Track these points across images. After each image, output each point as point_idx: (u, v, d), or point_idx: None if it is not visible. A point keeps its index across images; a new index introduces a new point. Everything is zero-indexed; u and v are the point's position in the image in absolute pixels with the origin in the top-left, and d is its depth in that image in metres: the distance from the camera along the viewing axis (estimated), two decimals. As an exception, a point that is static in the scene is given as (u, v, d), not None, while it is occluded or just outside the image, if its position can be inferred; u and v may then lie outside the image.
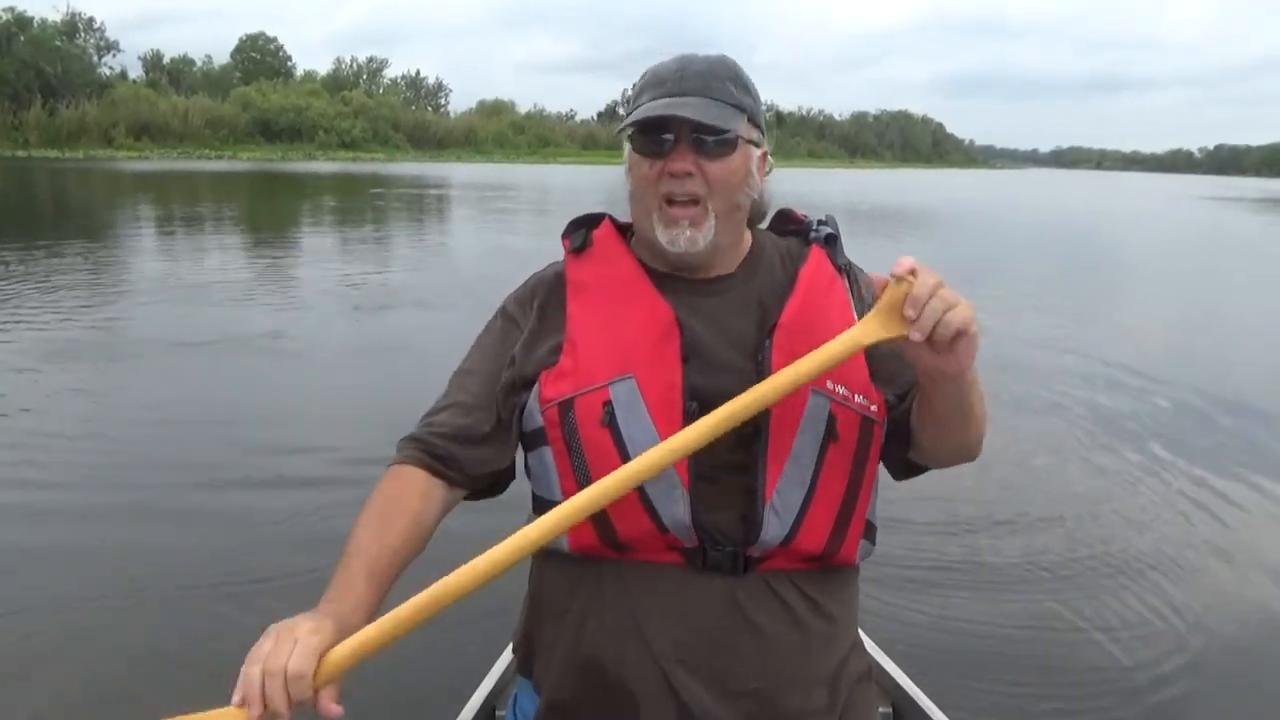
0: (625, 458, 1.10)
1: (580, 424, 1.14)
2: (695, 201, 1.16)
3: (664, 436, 1.09)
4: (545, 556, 1.24)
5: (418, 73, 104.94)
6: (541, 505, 1.20)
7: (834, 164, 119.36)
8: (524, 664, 1.31)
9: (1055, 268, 14.78)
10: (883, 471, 1.27)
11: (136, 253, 13.94)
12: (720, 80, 1.17)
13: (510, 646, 1.56)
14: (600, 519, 1.12)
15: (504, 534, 1.04)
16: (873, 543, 1.26)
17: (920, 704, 1.63)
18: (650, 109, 1.14)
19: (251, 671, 0.93)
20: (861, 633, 1.37)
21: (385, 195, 28.99)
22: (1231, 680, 2.88)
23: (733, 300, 1.22)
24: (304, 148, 70.70)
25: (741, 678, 1.14)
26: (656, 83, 1.18)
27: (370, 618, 1.02)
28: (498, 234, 18.15)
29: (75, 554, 3.57)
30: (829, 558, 1.18)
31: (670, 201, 1.16)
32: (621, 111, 1.21)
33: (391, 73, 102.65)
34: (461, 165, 65.97)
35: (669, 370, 1.14)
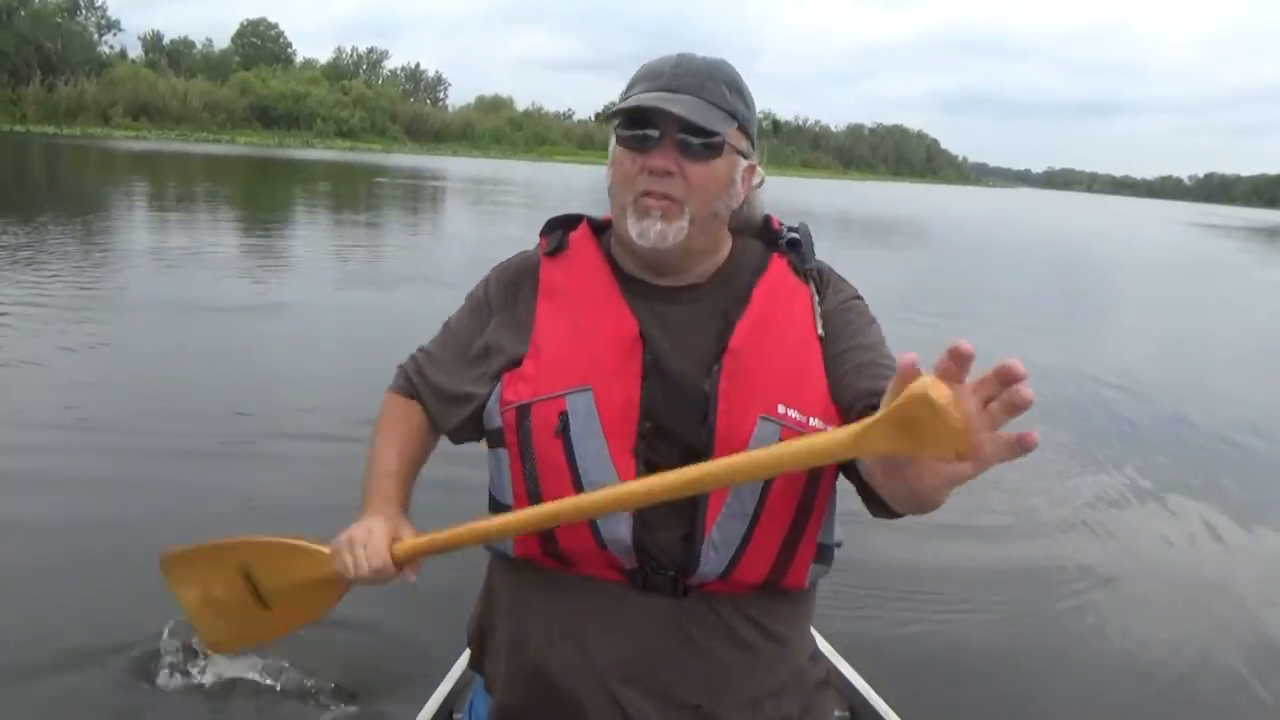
0: (574, 471, 1.12)
1: (535, 432, 1.13)
2: (671, 199, 1.13)
3: (615, 454, 1.11)
4: (495, 556, 1.28)
5: (417, 65, 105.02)
6: (495, 505, 1.23)
7: (827, 174, 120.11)
8: (477, 662, 1.33)
9: (1042, 288, 14.92)
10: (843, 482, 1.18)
11: (159, 227, 14.27)
12: (716, 82, 1.14)
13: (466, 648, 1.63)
14: (543, 529, 1.14)
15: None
16: (827, 563, 1.22)
17: (876, 707, 1.63)
18: (639, 99, 1.12)
19: (342, 543, 1.17)
20: (819, 637, 1.37)
21: (388, 185, 29.36)
22: (1182, 685, 2.99)
23: (695, 312, 1.19)
24: (301, 135, 70.81)
25: (685, 693, 1.14)
26: (651, 75, 1.16)
27: (403, 512, 1.24)
28: (495, 224, 18.65)
29: (99, 484, 3.96)
30: (774, 584, 1.16)
31: (647, 194, 1.13)
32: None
33: (391, 64, 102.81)
34: (458, 159, 66.25)
35: (627, 387, 1.13)
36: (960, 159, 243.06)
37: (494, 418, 1.18)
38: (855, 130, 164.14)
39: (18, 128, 54.10)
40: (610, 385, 1.13)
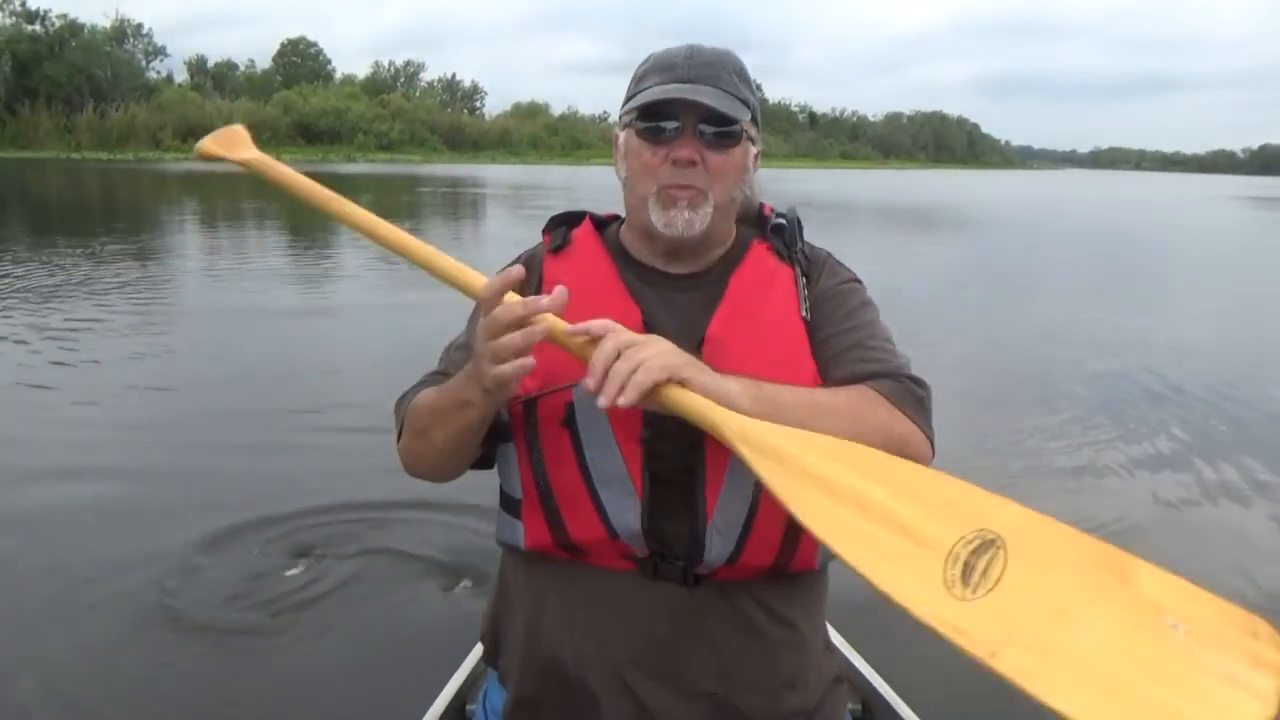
0: (581, 459, 1.14)
1: (541, 423, 1.15)
2: (696, 189, 1.15)
3: (621, 441, 1.13)
4: (507, 552, 1.28)
5: (454, 76, 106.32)
6: (506, 500, 1.23)
7: (867, 165, 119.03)
8: (491, 656, 1.34)
9: (1079, 267, 14.66)
10: None
11: (212, 241, 14.86)
12: (728, 72, 1.16)
13: (480, 640, 1.63)
14: (554, 521, 1.16)
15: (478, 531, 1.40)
16: None
17: (890, 702, 1.61)
18: (661, 92, 1.13)
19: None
20: (833, 631, 1.38)
21: (429, 194, 30.13)
22: None
23: (699, 299, 1.21)
24: (343, 149, 72.13)
25: (700, 681, 1.15)
26: (665, 67, 1.17)
27: None
28: (535, 226, 18.86)
29: (169, 471, 4.36)
30: (783, 567, 1.17)
31: (670, 185, 1.15)
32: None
33: (428, 76, 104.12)
34: (496, 166, 66.96)
35: None
36: (1003, 143, 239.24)
37: (501, 412, 1.18)
38: (894, 119, 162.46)
39: (73, 155, 56.00)
40: None
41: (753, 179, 1.24)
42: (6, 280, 9.88)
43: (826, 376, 1.16)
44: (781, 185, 44.59)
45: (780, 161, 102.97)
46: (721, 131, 1.14)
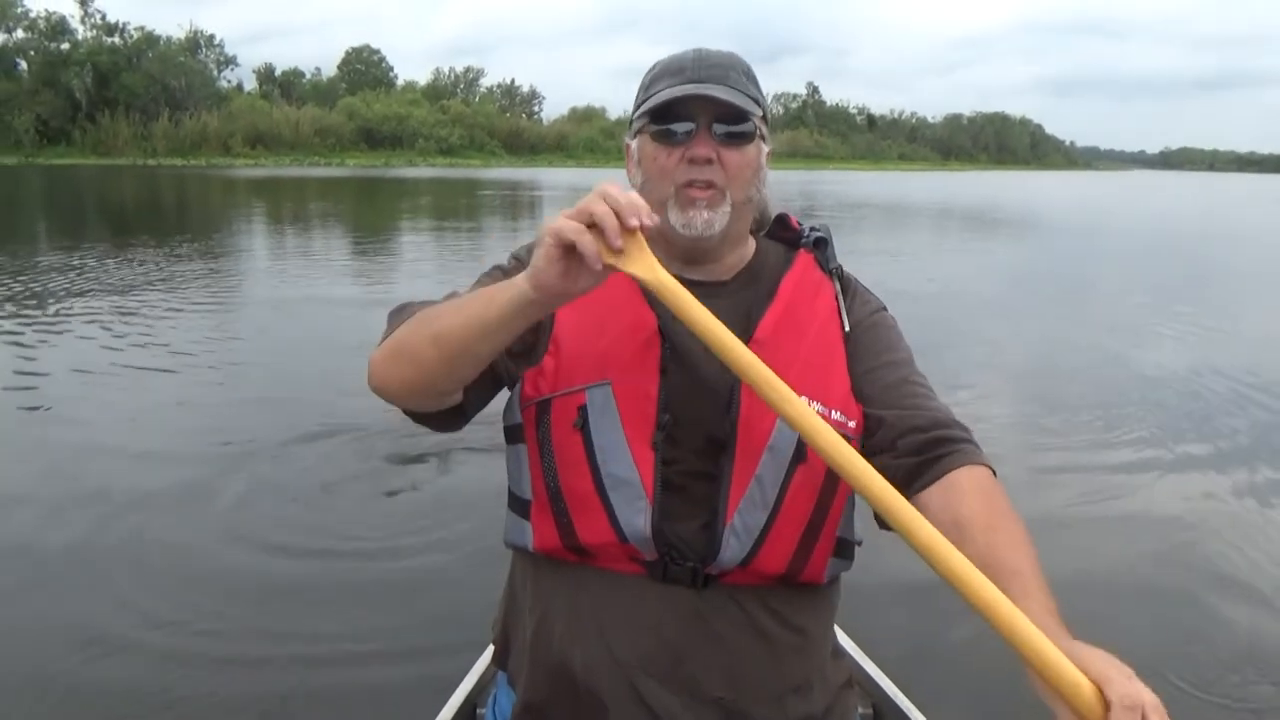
0: (593, 463, 1.14)
1: (554, 426, 1.15)
2: (713, 186, 1.15)
3: (633, 445, 1.12)
4: (517, 554, 1.28)
5: (512, 81, 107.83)
6: (515, 501, 1.23)
7: (926, 167, 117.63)
8: (501, 658, 1.33)
9: (1142, 271, 14.01)
10: None
11: (282, 240, 15.63)
12: (737, 72, 1.18)
13: (491, 642, 1.63)
14: (563, 523, 1.16)
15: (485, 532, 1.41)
16: (848, 559, 1.24)
17: (900, 706, 1.61)
18: (674, 91, 1.14)
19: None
20: (842, 634, 1.37)
21: (489, 197, 30.83)
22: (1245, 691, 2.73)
23: (721, 308, 1.16)
24: (405, 154, 73.85)
25: (708, 686, 1.14)
26: (674, 70, 1.18)
27: None
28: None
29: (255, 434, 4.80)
30: (792, 577, 1.17)
31: (688, 185, 1.15)
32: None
33: (487, 81, 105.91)
34: (554, 170, 67.75)
35: (646, 380, 1.15)
36: (1068, 143, 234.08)
37: (514, 414, 1.19)
38: (953, 120, 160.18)
39: (150, 161, 58.49)
40: (629, 379, 1.15)
41: (766, 178, 1.24)
42: (95, 274, 10.57)
43: (868, 402, 1.17)
44: (835, 187, 44.36)
45: (837, 163, 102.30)
46: (735, 130, 1.15)
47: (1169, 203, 41.47)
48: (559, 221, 0.93)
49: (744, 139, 1.16)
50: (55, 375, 6.14)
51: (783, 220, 1.33)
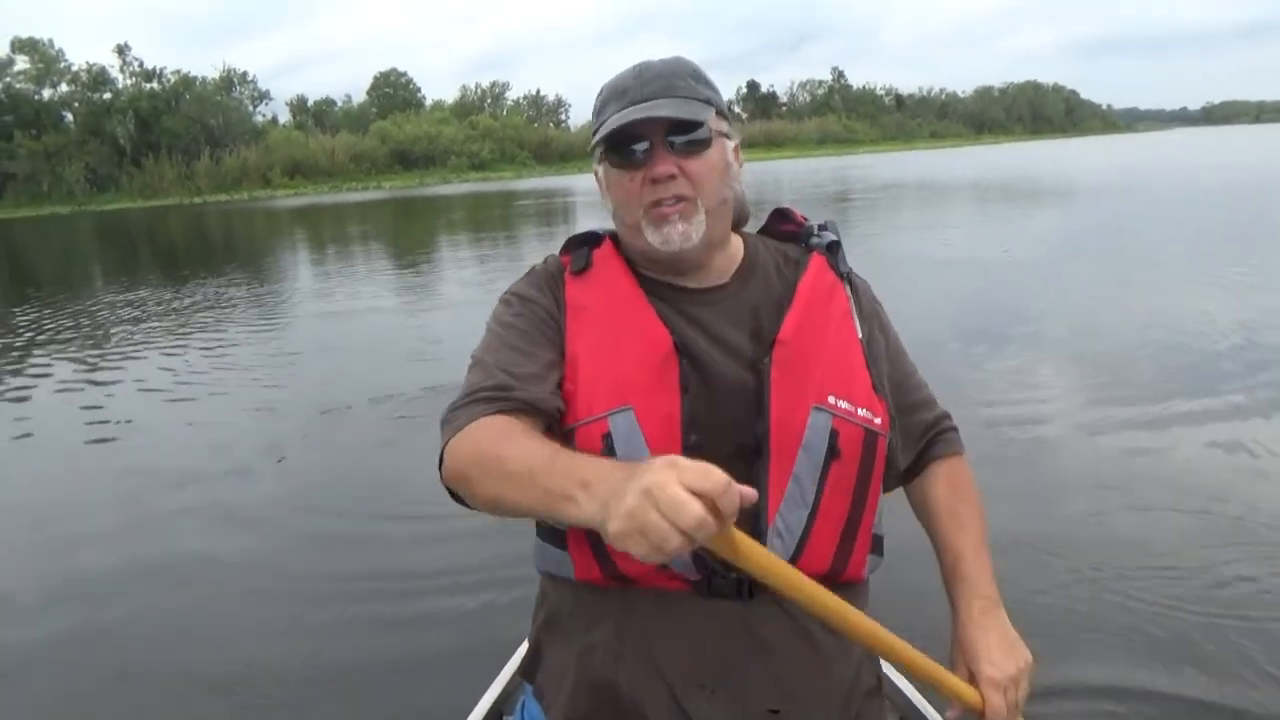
0: None
1: None
2: (683, 199, 1.15)
3: None
4: (553, 580, 1.25)
5: (538, 91, 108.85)
6: (546, 531, 1.22)
7: (958, 142, 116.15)
8: (529, 671, 1.31)
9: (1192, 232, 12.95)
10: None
11: (324, 262, 16.38)
12: (682, 78, 1.17)
13: (518, 653, 1.59)
14: (601, 553, 1.14)
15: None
16: (880, 555, 1.26)
17: (928, 716, 1.61)
18: (620, 118, 1.13)
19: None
20: None
21: (525, 206, 31.44)
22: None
23: (727, 310, 1.21)
24: (439, 172, 74.93)
25: (757, 698, 1.14)
26: (618, 94, 1.17)
27: None
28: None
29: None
30: (835, 576, 1.17)
31: (657, 204, 1.15)
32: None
33: (513, 94, 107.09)
34: (584, 175, 68.01)
35: (668, 401, 1.14)
36: (1105, 107, 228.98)
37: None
38: (984, 93, 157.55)
39: (195, 200, 60.22)
40: (650, 401, 1.14)
41: (738, 174, 1.24)
42: (152, 304, 11.32)
43: (886, 397, 1.24)
44: (859, 172, 44.12)
45: (868, 147, 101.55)
46: (690, 139, 1.15)
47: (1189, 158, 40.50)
48: (684, 522, 0.79)
49: (702, 145, 1.16)
50: (121, 397, 6.58)
51: (784, 214, 1.35)
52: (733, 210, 1.25)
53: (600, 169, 1.22)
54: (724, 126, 1.20)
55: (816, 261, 1.26)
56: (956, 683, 1.16)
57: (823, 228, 1.31)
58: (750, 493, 0.83)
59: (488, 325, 1.26)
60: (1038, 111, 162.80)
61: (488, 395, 1.12)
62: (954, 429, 1.37)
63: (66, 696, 2.82)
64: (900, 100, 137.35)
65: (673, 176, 1.14)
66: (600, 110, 1.20)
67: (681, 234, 1.15)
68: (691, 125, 1.14)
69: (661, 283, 1.23)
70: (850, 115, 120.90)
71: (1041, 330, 7.11)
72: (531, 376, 1.15)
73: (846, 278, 1.28)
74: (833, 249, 1.28)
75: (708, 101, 1.17)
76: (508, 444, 1.04)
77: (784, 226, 1.34)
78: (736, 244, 1.28)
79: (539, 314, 1.22)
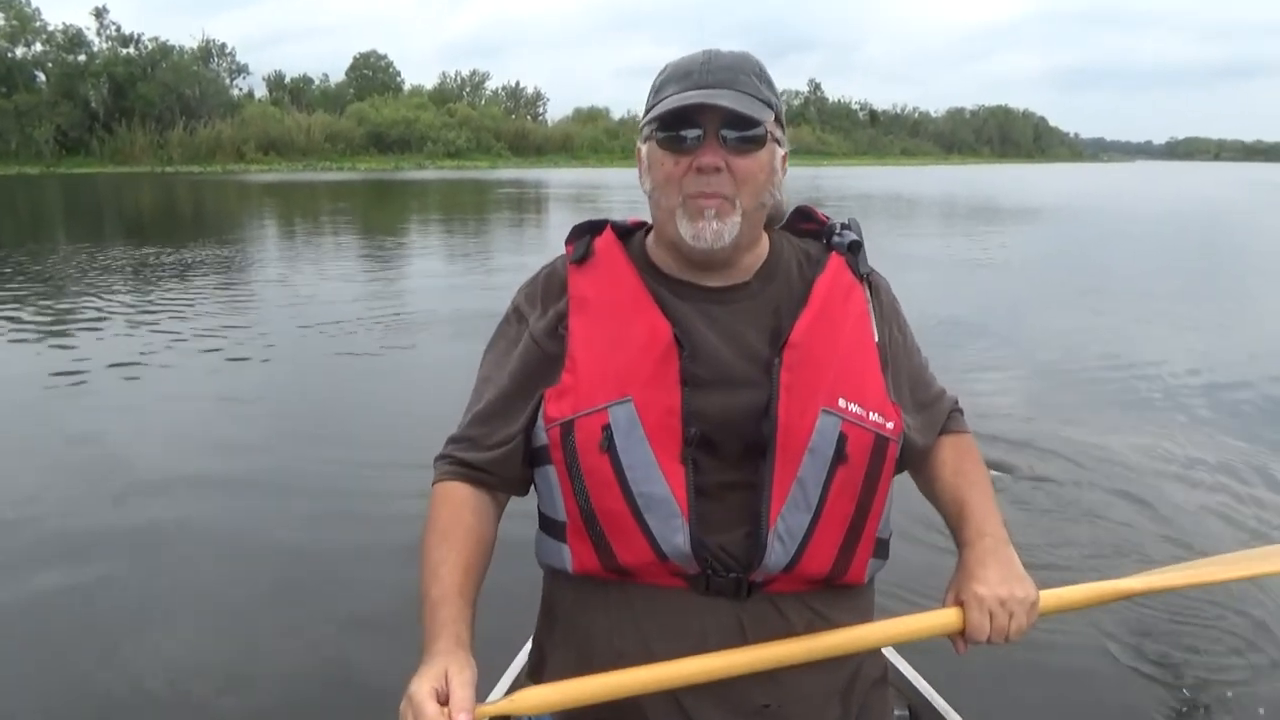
0: (624, 484, 1.12)
1: (580, 448, 1.14)
2: (723, 197, 1.12)
3: (663, 462, 1.11)
4: (554, 574, 1.27)
5: (517, 83, 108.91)
6: (547, 522, 1.22)
7: (928, 161, 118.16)
8: (536, 671, 1.31)
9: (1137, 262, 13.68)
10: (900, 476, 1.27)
11: (302, 242, 17.00)
12: (748, 75, 1.14)
13: (523, 652, 1.58)
14: (600, 545, 1.15)
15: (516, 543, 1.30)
16: (884, 558, 1.25)
17: (937, 707, 1.60)
18: (680, 99, 1.11)
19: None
20: None
21: (503, 196, 31.97)
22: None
23: (746, 310, 1.19)
24: (414, 157, 74.96)
25: (751, 696, 1.14)
26: (681, 75, 1.15)
27: (471, 636, 1.09)
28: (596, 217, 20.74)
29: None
30: (835, 579, 1.17)
31: (696, 194, 1.12)
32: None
33: (493, 84, 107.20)
34: (559, 170, 68.49)
35: (668, 394, 1.13)
36: (1072, 135, 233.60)
37: (540, 435, 1.18)
38: (956, 114, 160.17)
39: (167, 169, 59.76)
40: (650, 393, 1.13)
41: (781, 181, 1.21)
42: (126, 273, 11.66)
43: (900, 395, 1.24)
44: (832, 182, 45.18)
45: (839, 160, 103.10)
46: (745, 135, 1.12)
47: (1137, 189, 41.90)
48: None
49: (754, 144, 1.14)
50: (96, 366, 6.51)
51: (805, 213, 1.32)
52: (767, 215, 1.24)
53: (644, 148, 1.19)
54: (779, 133, 1.19)
55: (835, 262, 1.25)
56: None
57: (845, 227, 1.29)
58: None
59: (491, 341, 1.30)
60: (1006, 135, 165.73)
61: (458, 456, 1.23)
62: (960, 411, 1.38)
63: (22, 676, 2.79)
64: (874, 116, 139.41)
65: (718, 170, 1.12)
66: (659, 89, 1.18)
67: (714, 233, 1.14)
68: (749, 122, 1.13)
69: (679, 280, 1.23)
70: (824, 127, 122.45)
71: (994, 342, 7.67)
72: (498, 447, 1.21)
73: (866, 279, 1.26)
74: (854, 249, 1.26)
75: (768, 104, 1.16)
76: (436, 540, 1.17)
77: (805, 225, 1.33)
78: (763, 242, 1.26)
79: (531, 351, 1.23)
